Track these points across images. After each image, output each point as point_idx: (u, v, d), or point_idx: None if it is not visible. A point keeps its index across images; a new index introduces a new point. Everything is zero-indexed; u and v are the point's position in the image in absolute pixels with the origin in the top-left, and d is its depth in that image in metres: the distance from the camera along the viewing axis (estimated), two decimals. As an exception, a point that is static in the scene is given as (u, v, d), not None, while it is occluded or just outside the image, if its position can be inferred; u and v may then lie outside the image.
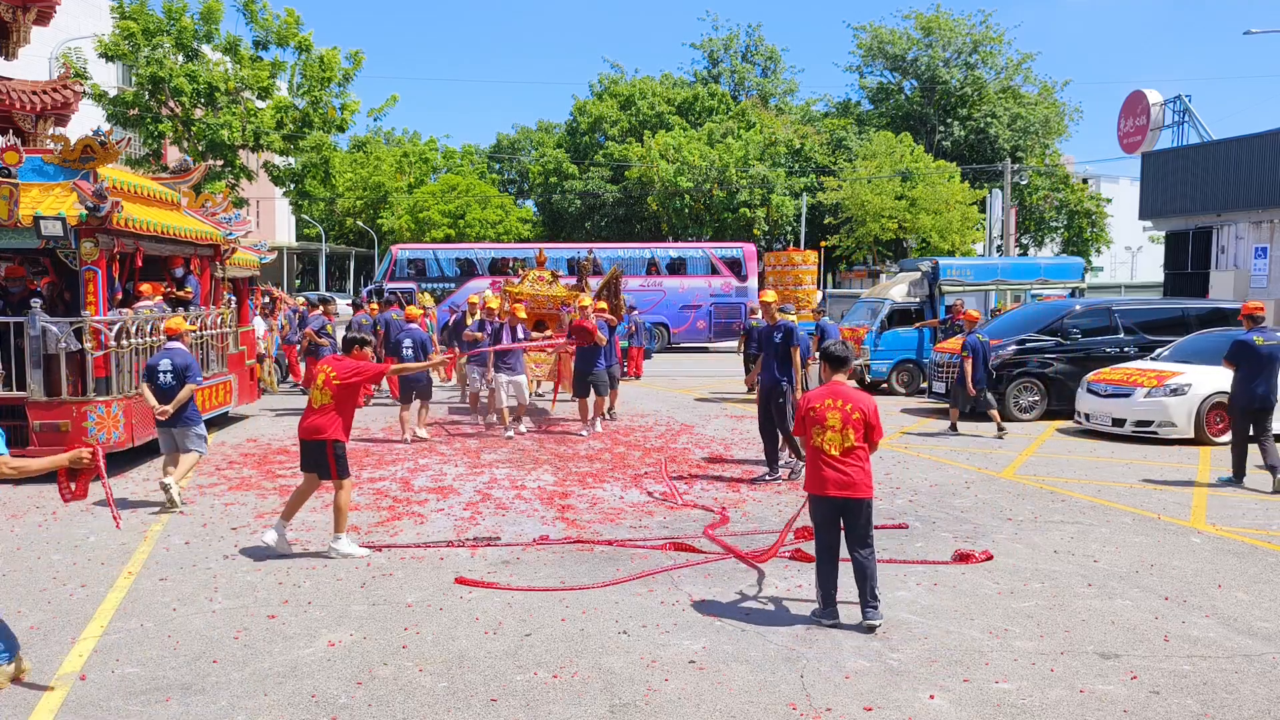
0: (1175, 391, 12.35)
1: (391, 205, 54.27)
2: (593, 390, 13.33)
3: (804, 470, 5.96)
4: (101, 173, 10.56)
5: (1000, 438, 12.91)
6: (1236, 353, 9.80)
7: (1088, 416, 13.30)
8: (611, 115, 55.41)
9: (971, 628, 5.74)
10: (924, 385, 17.49)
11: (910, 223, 44.39)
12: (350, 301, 32.44)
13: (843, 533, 5.83)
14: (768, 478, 10.08)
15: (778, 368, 10.03)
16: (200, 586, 6.52)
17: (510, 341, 13.02)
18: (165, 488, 8.59)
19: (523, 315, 13.86)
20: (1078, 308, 15.33)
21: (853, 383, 6.29)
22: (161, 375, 8.92)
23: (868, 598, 5.71)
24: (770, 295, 11.66)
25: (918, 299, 18.87)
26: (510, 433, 12.86)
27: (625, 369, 18.63)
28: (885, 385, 18.43)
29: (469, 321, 15.44)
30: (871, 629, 5.63)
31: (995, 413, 13.27)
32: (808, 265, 19.09)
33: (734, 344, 23.96)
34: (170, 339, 9.20)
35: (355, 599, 6.25)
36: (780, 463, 10.22)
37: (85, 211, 9.83)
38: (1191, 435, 12.30)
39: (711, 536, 7.69)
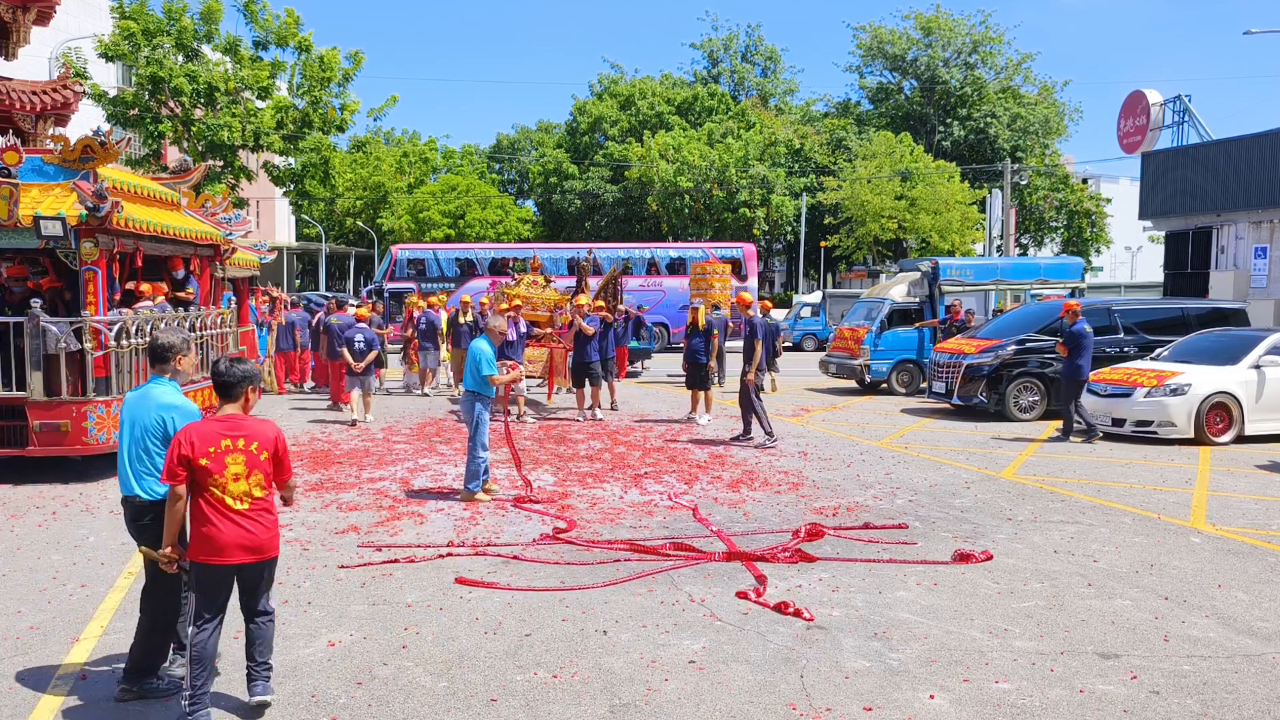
0: (1175, 391, 12.35)
1: (391, 205, 54.22)
2: (588, 381, 14.74)
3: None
4: (101, 173, 10.55)
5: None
6: (1071, 340, 12.67)
7: (1088, 416, 13.30)
8: (611, 115, 55.41)
9: (971, 628, 5.74)
10: (924, 385, 17.50)
11: (910, 223, 44.38)
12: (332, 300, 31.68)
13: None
14: (742, 439, 12.59)
15: (746, 355, 12.56)
16: (200, 586, 6.52)
17: (515, 335, 14.54)
18: (367, 423, 14.07)
19: (535, 296, 16.63)
20: (1077, 308, 15.32)
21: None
22: (357, 344, 14.26)
23: (262, 665, 4.68)
24: (747, 295, 14.15)
25: (917, 299, 18.88)
26: (532, 417, 14.74)
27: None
28: (885, 385, 18.45)
29: (461, 321, 16.94)
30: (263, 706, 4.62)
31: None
32: (722, 274, 21.96)
33: (736, 344, 24.07)
34: (358, 321, 14.94)
35: (355, 599, 6.24)
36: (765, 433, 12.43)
37: (85, 211, 9.82)
38: (1191, 435, 12.30)
39: (720, 534, 7.70)
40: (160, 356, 4.90)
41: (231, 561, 4.45)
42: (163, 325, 11.08)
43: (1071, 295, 19.27)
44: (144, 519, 4.78)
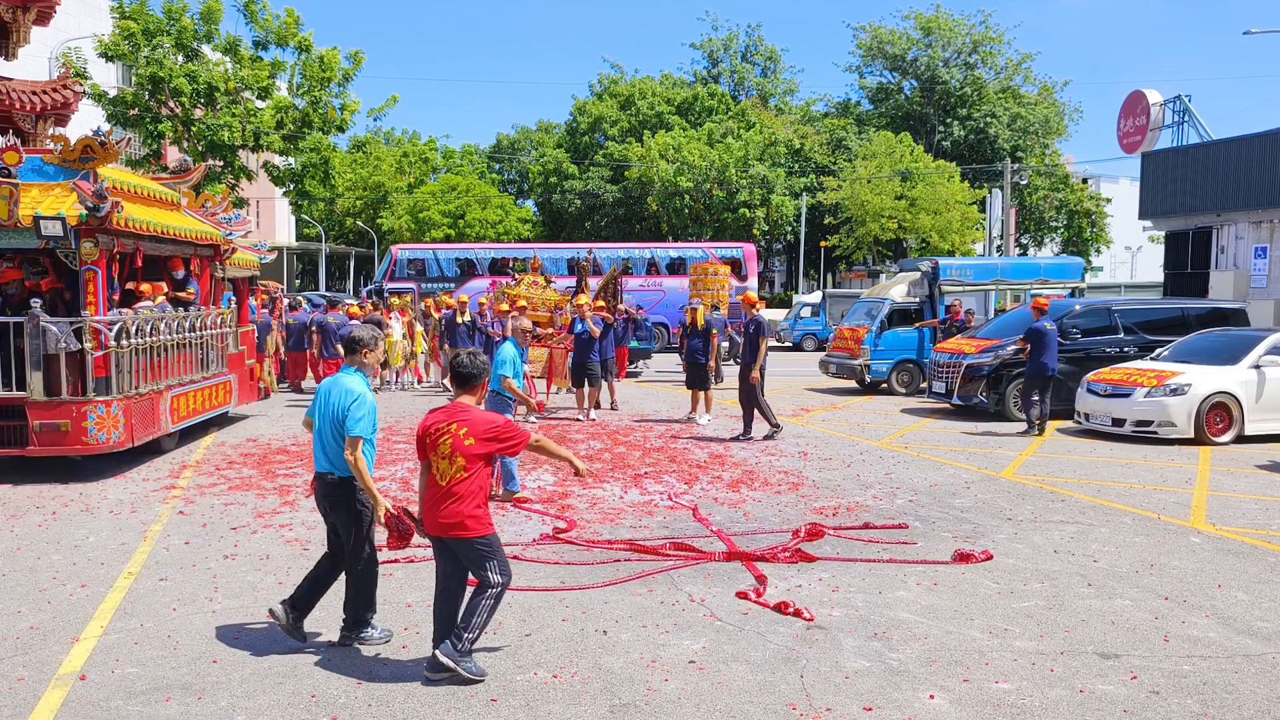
0: (1175, 391, 12.35)
1: (391, 205, 54.20)
2: (587, 381, 14.95)
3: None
4: (101, 173, 10.55)
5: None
6: (1031, 336, 13.20)
7: (1087, 416, 13.30)
8: (611, 115, 55.38)
9: (971, 628, 5.74)
10: (924, 385, 17.50)
11: (910, 223, 44.36)
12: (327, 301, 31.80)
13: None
14: (742, 438, 12.63)
15: (751, 353, 12.77)
16: (200, 586, 6.52)
17: None
18: None
19: (535, 296, 16.69)
20: (1078, 308, 15.33)
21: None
22: None
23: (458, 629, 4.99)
24: (752, 295, 14.45)
25: (917, 299, 18.88)
26: (532, 417, 14.41)
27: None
28: (885, 385, 18.46)
29: (459, 321, 17.15)
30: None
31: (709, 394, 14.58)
32: (723, 275, 23.11)
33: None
34: (350, 318, 15.98)
35: (355, 599, 6.23)
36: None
37: (85, 211, 9.82)
38: (1191, 435, 12.29)
39: (720, 534, 7.70)
40: (350, 348, 5.45)
41: (428, 531, 5.03)
42: (163, 325, 11.09)
43: (1071, 295, 19.29)
44: (337, 494, 5.30)
